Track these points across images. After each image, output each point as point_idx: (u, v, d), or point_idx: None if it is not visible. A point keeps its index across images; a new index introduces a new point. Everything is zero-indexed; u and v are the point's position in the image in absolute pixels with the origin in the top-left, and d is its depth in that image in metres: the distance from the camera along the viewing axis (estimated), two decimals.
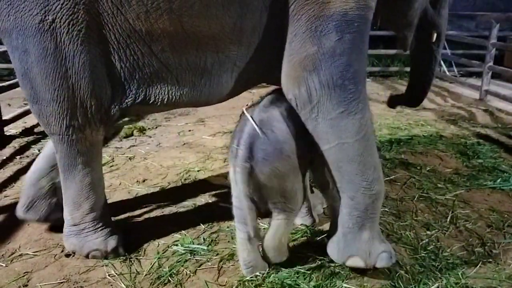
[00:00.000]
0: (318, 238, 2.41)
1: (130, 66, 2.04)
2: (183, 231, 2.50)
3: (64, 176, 2.19)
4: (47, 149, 2.46)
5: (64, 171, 2.18)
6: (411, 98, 2.92)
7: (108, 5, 1.90)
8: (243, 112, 2.11)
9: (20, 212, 2.44)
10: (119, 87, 2.08)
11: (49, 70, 1.95)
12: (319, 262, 2.21)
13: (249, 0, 1.99)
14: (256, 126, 1.98)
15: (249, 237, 2.07)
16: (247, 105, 2.14)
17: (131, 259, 2.27)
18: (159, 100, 2.13)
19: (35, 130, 4.37)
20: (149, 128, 4.50)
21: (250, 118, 2.02)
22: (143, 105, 2.15)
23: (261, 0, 2.01)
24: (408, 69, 7.47)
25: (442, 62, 7.50)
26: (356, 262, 2.07)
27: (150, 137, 4.24)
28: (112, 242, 2.27)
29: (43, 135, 4.18)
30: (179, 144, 4.04)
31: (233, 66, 2.14)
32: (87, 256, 2.26)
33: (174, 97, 2.14)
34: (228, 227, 2.52)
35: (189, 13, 1.94)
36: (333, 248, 2.14)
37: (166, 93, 2.12)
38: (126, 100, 2.11)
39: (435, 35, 2.56)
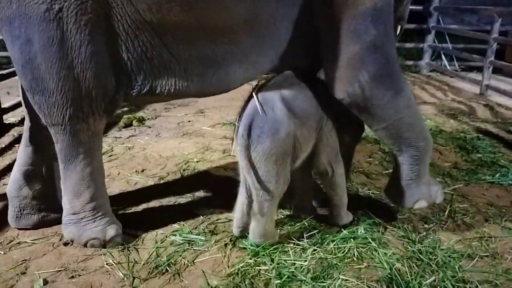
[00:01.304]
0: (316, 230, 2.41)
1: (138, 57, 2.03)
2: (181, 221, 2.50)
3: (65, 166, 2.17)
4: (20, 160, 2.42)
5: (64, 161, 2.16)
6: None
7: None
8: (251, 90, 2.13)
9: (12, 223, 2.43)
10: (125, 78, 2.07)
11: (54, 60, 1.92)
12: (317, 254, 2.22)
13: None
14: (257, 103, 2.01)
15: (247, 203, 2.21)
16: (257, 82, 2.15)
17: (129, 248, 2.28)
18: (166, 91, 2.12)
19: None
20: (148, 118, 4.49)
21: (254, 95, 2.04)
22: (148, 96, 2.14)
23: None
24: (409, 62, 7.50)
25: (443, 56, 7.49)
26: (422, 204, 2.46)
27: (150, 127, 4.24)
28: (110, 231, 2.27)
29: None
30: (178, 135, 4.04)
31: (243, 57, 2.15)
32: (85, 245, 2.26)
33: (181, 88, 2.13)
34: (226, 218, 2.53)
35: (202, 3, 1.95)
36: (401, 197, 2.45)
37: (173, 84, 2.11)
38: (132, 91, 2.11)
39: (399, 28, 2.64)
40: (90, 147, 2.16)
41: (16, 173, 2.41)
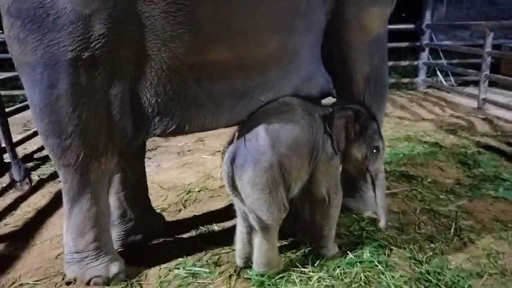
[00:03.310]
0: (320, 256, 2.37)
1: (168, 99, 2.02)
2: (184, 254, 2.47)
3: (72, 205, 2.15)
4: (113, 188, 2.50)
5: (72, 200, 2.14)
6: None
7: (155, 43, 1.90)
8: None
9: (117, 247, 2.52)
10: (150, 119, 2.06)
11: (77, 104, 1.91)
12: (323, 282, 2.17)
13: (293, 23, 2.16)
14: (242, 133, 2.04)
15: (246, 232, 2.21)
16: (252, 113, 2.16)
17: (132, 284, 2.24)
18: (193, 127, 2.14)
19: (35, 156, 4.38)
20: (148, 150, 4.49)
21: (242, 125, 2.07)
22: (173, 133, 2.14)
23: (304, 23, 2.21)
24: (405, 80, 7.57)
25: (438, 72, 7.55)
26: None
27: (150, 158, 4.24)
28: (113, 268, 2.25)
29: (42, 161, 4.18)
30: (178, 165, 4.04)
31: (271, 87, 2.20)
32: (88, 283, 2.23)
33: (210, 123, 2.15)
34: (230, 248, 2.49)
35: (242, 40, 2.03)
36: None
37: (202, 119, 2.12)
38: (155, 131, 2.10)
39: None
40: (98, 186, 2.15)
41: (113, 201, 2.48)
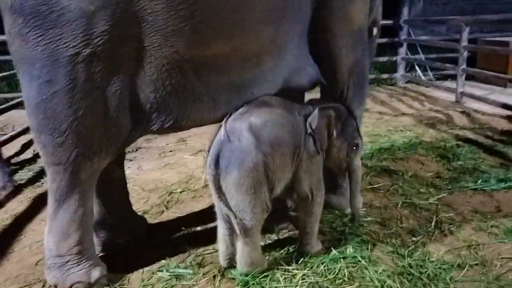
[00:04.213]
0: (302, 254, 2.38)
1: (166, 94, 2.02)
2: (167, 256, 2.44)
3: (58, 205, 2.10)
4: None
5: (58, 200, 2.09)
6: None
7: (156, 38, 1.90)
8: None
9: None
10: (148, 115, 2.05)
11: (74, 100, 1.89)
12: (307, 279, 2.18)
13: (283, 13, 2.20)
14: (224, 134, 2.01)
15: (229, 234, 2.19)
16: (231, 112, 2.14)
17: None
18: (190, 121, 2.15)
19: (12, 161, 4.28)
20: (129, 151, 4.43)
21: (223, 125, 2.04)
22: (170, 128, 2.14)
23: (293, 13, 2.27)
24: (384, 75, 7.65)
25: (417, 67, 7.65)
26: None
27: (131, 160, 4.18)
28: (95, 273, 2.20)
29: (20, 166, 4.09)
30: (160, 166, 4.00)
31: (264, 78, 2.26)
32: None
33: (207, 117, 2.16)
34: (213, 249, 2.47)
35: (239, 32, 2.06)
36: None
37: (199, 114, 2.13)
38: (153, 127, 2.09)
39: (375, 30, 2.95)
40: (87, 187, 2.11)
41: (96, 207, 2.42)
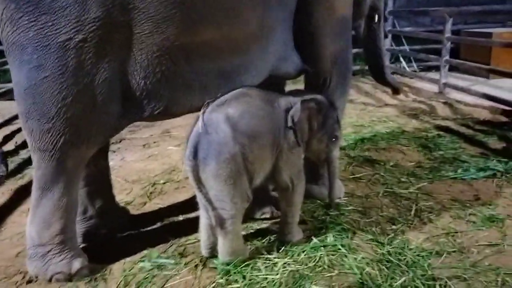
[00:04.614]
0: (283, 243, 2.41)
1: (157, 81, 2.04)
2: (150, 246, 2.45)
3: (42, 193, 2.09)
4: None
5: (42, 188, 2.08)
6: (376, 75, 3.43)
7: (148, 25, 1.93)
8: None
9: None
10: (138, 102, 2.07)
11: (64, 86, 1.90)
12: (288, 267, 2.21)
13: (270, 1, 2.25)
14: (201, 125, 2.02)
15: (209, 222, 2.20)
16: (207, 102, 2.14)
17: (96, 280, 2.21)
18: (180, 108, 2.17)
19: None
20: (112, 143, 4.39)
21: (201, 117, 2.05)
22: (160, 115, 2.16)
23: (278, 2, 2.31)
24: None
25: (401, 58, 7.70)
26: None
27: (114, 151, 4.15)
28: (76, 264, 2.20)
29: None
30: (144, 157, 3.98)
31: (252, 65, 2.30)
32: (50, 280, 2.18)
33: (196, 104, 2.17)
34: (196, 238, 2.48)
35: (228, 18, 2.09)
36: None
37: (189, 100, 2.15)
38: (143, 113, 2.11)
39: (376, 17, 3.04)
40: (73, 175, 2.11)
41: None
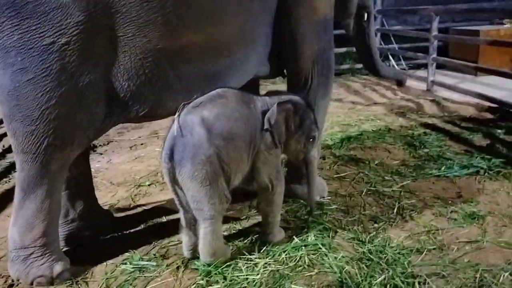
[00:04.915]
0: (264, 243, 2.42)
1: (141, 83, 2.08)
2: (132, 249, 2.45)
3: (25, 195, 2.09)
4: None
5: (26, 190, 2.08)
6: (373, 72, 3.56)
7: (130, 29, 1.97)
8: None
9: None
10: (122, 104, 2.10)
11: (47, 89, 1.92)
12: (269, 267, 2.22)
13: (251, 3, 2.30)
14: (177, 128, 2.04)
15: (190, 223, 2.21)
16: (183, 105, 2.15)
17: (77, 283, 2.21)
18: (166, 110, 2.20)
19: None
20: (100, 145, 4.40)
21: (176, 119, 2.06)
22: (145, 117, 2.20)
23: (260, 4, 2.37)
24: (359, 65, 7.71)
25: (390, 57, 7.73)
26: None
27: (101, 154, 4.15)
28: (57, 268, 2.20)
29: None
30: (130, 159, 3.98)
31: (235, 68, 2.36)
32: (31, 283, 2.18)
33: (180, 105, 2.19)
34: (178, 240, 2.48)
35: (209, 22, 2.15)
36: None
37: (174, 102, 2.17)
38: (128, 115, 2.15)
39: (366, 15, 3.08)
40: (56, 178, 2.12)
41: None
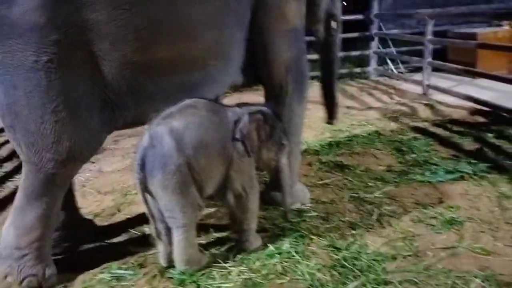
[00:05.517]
0: (241, 251, 2.45)
1: (123, 94, 2.18)
2: (112, 258, 2.49)
3: (27, 201, 2.16)
4: None
5: (28, 196, 2.16)
6: (324, 82, 3.33)
7: (105, 44, 2.06)
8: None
9: None
10: (110, 114, 2.21)
11: (38, 105, 2.00)
12: (242, 275, 2.24)
13: (225, 17, 2.41)
14: (147, 139, 2.09)
15: (165, 233, 2.25)
16: (153, 116, 2.20)
17: None
18: (148, 118, 2.25)
19: None
20: None
21: (146, 131, 2.12)
22: (131, 124, 2.32)
23: (234, 17, 2.46)
24: (357, 69, 7.71)
25: (388, 61, 7.72)
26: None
27: (93, 162, 4.20)
28: (49, 271, 2.27)
29: None
30: (121, 167, 4.03)
31: (212, 79, 2.46)
32: (21, 282, 2.23)
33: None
34: (157, 249, 2.52)
35: (180, 38, 2.25)
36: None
37: (155, 111, 2.23)
38: (117, 124, 2.26)
39: (333, 24, 3.10)
40: (60, 189, 2.21)
41: None
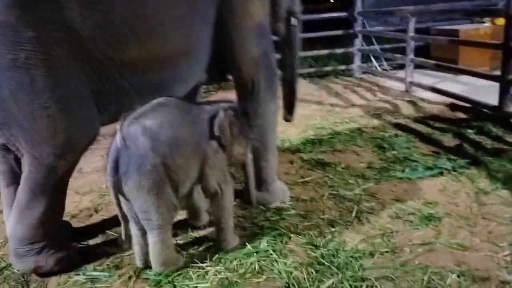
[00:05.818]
0: (218, 250, 2.43)
1: (104, 90, 2.23)
2: (87, 259, 2.45)
3: (33, 195, 2.17)
4: (7, 202, 2.44)
5: (34, 190, 2.16)
6: (284, 79, 3.25)
7: (79, 42, 2.08)
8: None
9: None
10: (98, 108, 2.25)
11: (26, 102, 2.01)
12: (219, 275, 2.23)
13: (192, 17, 2.43)
14: (120, 140, 2.05)
15: (141, 234, 2.24)
16: (124, 116, 2.16)
17: None
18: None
19: None
20: None
21: (118, 131, 2.08)
22: (115, 121, 2.29)
23: (201, 17, 2.49)
24: (341, 67, 7.73)
25: (372, 58, 7.75)
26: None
27: None
28: (71, 251, 2.41)
29: None
30: (100, 168, 3.97)
31: (181, 78, 2.52)
32: (51, 270, 2.29)
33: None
34: (133, 250, 2.49)
35: (150, 37, 2.28)
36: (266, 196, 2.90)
37: (133, 107, 2.25)
38: (105, 119, 2.31)
39: (293, 20, 3.09)
40: (65, 180, 2.26)
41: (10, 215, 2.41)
